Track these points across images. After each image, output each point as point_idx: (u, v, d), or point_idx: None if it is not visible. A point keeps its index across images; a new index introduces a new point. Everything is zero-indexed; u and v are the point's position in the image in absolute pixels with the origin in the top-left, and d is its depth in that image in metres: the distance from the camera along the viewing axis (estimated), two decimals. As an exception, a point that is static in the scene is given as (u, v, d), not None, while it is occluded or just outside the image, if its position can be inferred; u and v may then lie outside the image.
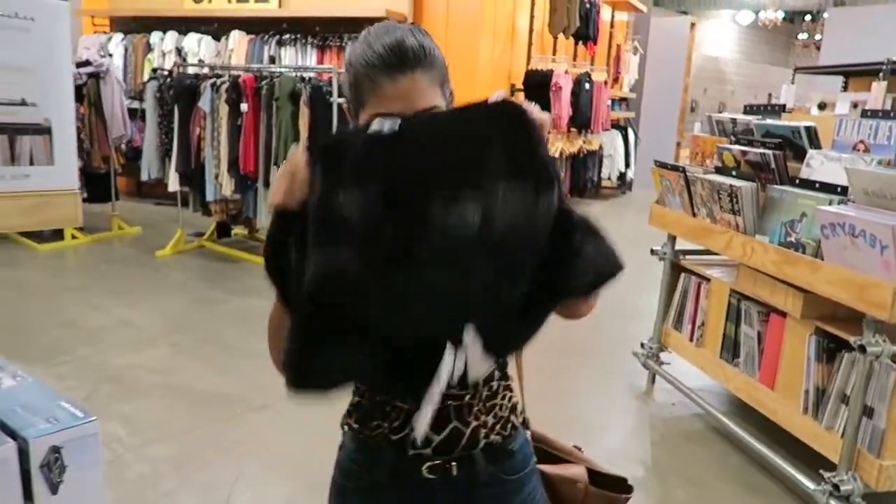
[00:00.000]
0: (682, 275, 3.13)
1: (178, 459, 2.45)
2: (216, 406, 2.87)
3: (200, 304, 4.24)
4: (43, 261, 4.97)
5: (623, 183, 9.35)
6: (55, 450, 0.89)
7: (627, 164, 9.20)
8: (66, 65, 0.73)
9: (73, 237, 5.41)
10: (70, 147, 0.81)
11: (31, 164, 0.71)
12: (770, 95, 9.19)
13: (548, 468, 1.12)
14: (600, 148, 8.46)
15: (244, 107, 4.76)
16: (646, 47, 10.05)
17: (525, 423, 1.09)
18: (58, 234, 5.38)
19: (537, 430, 1.17)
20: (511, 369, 1.08)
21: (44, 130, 0.71)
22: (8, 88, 0.66)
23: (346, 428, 1.04)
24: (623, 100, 9.78)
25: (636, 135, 9.57)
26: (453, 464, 0.96)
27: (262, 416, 2.80)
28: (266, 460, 2.48)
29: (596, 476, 1.14)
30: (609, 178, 9.09)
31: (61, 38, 0.69)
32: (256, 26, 6.57)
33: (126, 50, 6.94)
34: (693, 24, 10.52)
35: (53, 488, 0.90)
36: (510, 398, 1.03)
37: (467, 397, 0.97)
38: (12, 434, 0.87)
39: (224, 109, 4.81)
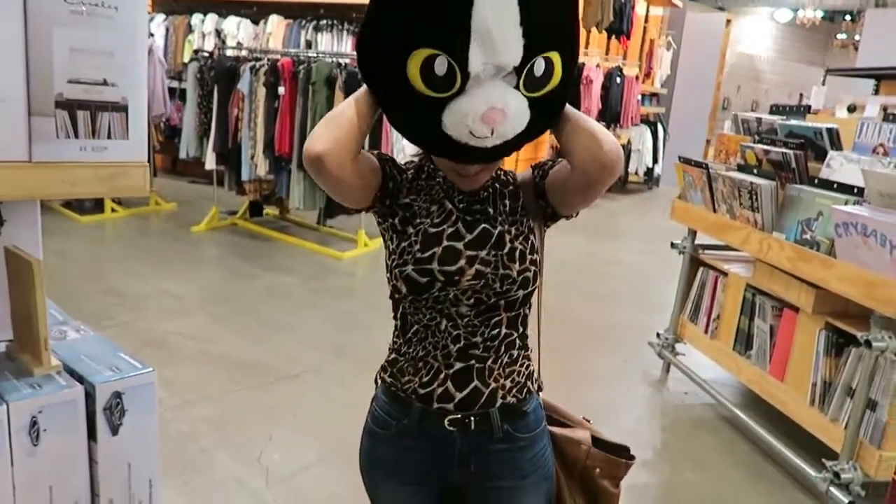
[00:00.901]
0: (701, 269, 3.22)
1: (214, 420, 2.62)
2: (251, 373, 3.04)
3: (235, 278, 4.43)
4: (85, 231, 5.20)
5: (650, 178, 9.37)
6: (117, 395, 1.02)
7: (655, 160, 9.22)
8: (142, 49, 0.81)
9: (113, 210, 5.64)
10: (142, 123, 0.90)
11: (109, 137, 0.80)
12: (801, 96, 9.12)
13: (556, 429, 1.24)
14: (629, 142, 8.49)
15: (281, 90, 4.91)
16: (679, 43, 10.01)
17: (539, 388, 1.21)
18: (98, 207, 5.61)
19: (549, 400, 1.29)
20: (532, 342, 1.21)
21: (121, 108, 0.80)
22: (92, 70, 0.74)
23: (379, 382, 1.17)
24: (654, 95, 9.78)
25: (665, 131, 9.57)
26: (472, 419, 1.09)
27: (294, 385, 2.96)
28: (296, 425, 2.64)
29: (600, 441, 1.26)
30: (636, 173, 9.13)
31: (139, 25, 0.77)
32: (294, 11, 6.72)
33: (167, 30, 7.14)
34: (729, 21, 10.44)
35: (114, 429, 1.02)
36: (528, 366, 1.15)
37: (489, 362, 1.09)
38: (80, 379, 0.99)
39: (262, 92, 4.97)
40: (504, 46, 0.87)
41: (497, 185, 1.11)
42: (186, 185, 7.04)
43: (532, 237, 1.10)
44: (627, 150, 8.52)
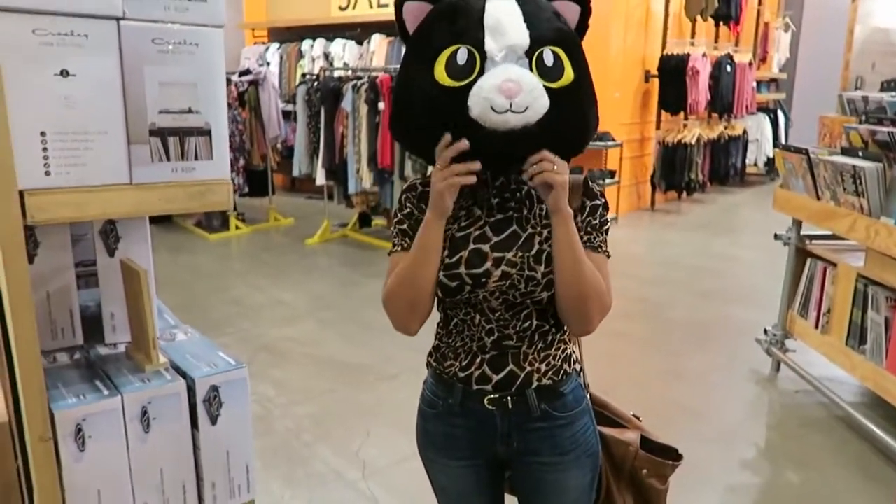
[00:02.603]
0: (808, 260, 3.04)
1: (317, 417, 2.81)
2: (352, 374, 3.22)
3: (343, 286, 4.68)
4: (213, 248, 5.68)
5: (771, 169, 8.83)
6: (214, 388, 1.16)
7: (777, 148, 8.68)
8: (221, 79, 0.93)
9: (237, 227, 6.12)
10: (224, 145, 1.02)
11: (196, 158, 0.92)
12: (937, 68, 8.25)
13: (605, 430, 1.27)
14: (744, 133, 8.07)
15: (381, 105, 5.13)
16: (799, 23, 9.38)
17: (586, 387, 1.25)
18: (224, 225, 6.10)
19: (599, 396, 1.31)
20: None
21: (205, 132, 0.91)
22: (179, 99, 0.86)
23: (428, 366, 1.26)
24: (772, 81, 9.23)
25: (787, 117, 9.00)
26: (509, 399, 1.14)
27: (392, 385, 3.10)
28: (392, 422, 2.77)
29: (648, 442, 1.27)
30: (755, 164, 8.64)
31: (217, 57, 0.88)
32: (396, 29, 6.96)
33: (281, 58, 7.64)
34: (856, -6, 9.66)
35: (213, 419, 1.16)
36: (564, 350, 1.19)
37: (523, 347, 1.14)
38: (183, 374, 1.14)
39: (364, 109, 5.22)
40: (513, 32, 1.01)
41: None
42: (303, 201, 7.48)
43: None
44: (744, 140, 8.09)
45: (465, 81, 1.00)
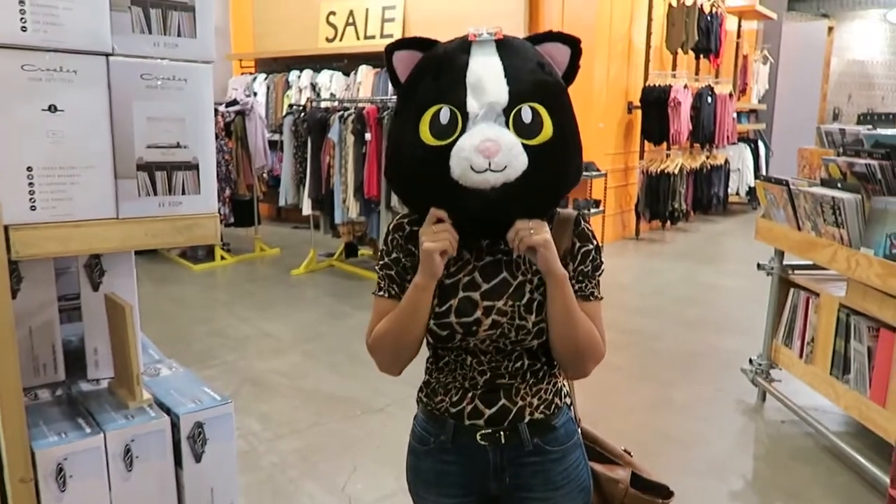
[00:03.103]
0: (792, 290, 3.07)
1: (303, 452, 2.77)
2: (339, 407, 3.18)
3: (330, 317, 4.65)
4: (198, 278, 5.64)
5: (754, 198, 8.95)
6: (199, 425, 1.14)
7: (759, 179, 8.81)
8: (209, 114, 0.94)
9: (222, 258, 6.08)
10: (211, 179, 1.02)
11: (183, 193, 0.92)
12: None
13: (596, 466, 1.27)
14: (726, 162, 8.19)
15: (368, 136, 5.16)
16: (777, 55, 9.61)
17: (577, 422, 1.24)
18: (209, 256, 6.07)
19: (590, 430, 1.31)
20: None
21: (193, 167, 0.91)
22: (167, 134, 0.86)
23: (418, 402, 1.25)
24: (752, 111, 9.41)
25: (767, 147, 9.16)
26: (502, 433, 1.14)
27: (378, 418, 3.07)
28: (379, 456, 2.73)
29: (639, 480, 1.27)
30: (737, 194, 8.77)
31: (205, 93, 0.89)
32: (382, 60, 7.04)
33: (268, 88, 7.69)
34: (831, 28, 9.93)
35: (197, 457, 1.14)
36: (555, 383, 1.19)
37: (515, 383, 1.14)
38: (167, 411, 1.13)
39: (350, 139, 5.24)
40: (492, 89, 1.02)
41: None
42: (289, 231, 7.46)
43: None
44: (726, 169, 8.22)
45: (448, 141, 1.02)
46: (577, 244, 1.13)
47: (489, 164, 1.00)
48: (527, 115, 1.03)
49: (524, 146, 1.02)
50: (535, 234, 1.03)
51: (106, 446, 1.05)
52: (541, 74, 1.07)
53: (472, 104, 1.02)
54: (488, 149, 1.00)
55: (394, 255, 1.15)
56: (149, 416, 1.11)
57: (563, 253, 1.10)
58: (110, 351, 1.21)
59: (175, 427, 1.11)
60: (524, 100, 1.03)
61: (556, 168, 1.06)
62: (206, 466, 1.16)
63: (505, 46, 1.05)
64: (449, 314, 1.09)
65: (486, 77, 1.02)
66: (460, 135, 1.02)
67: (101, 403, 1.14)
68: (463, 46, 1.06)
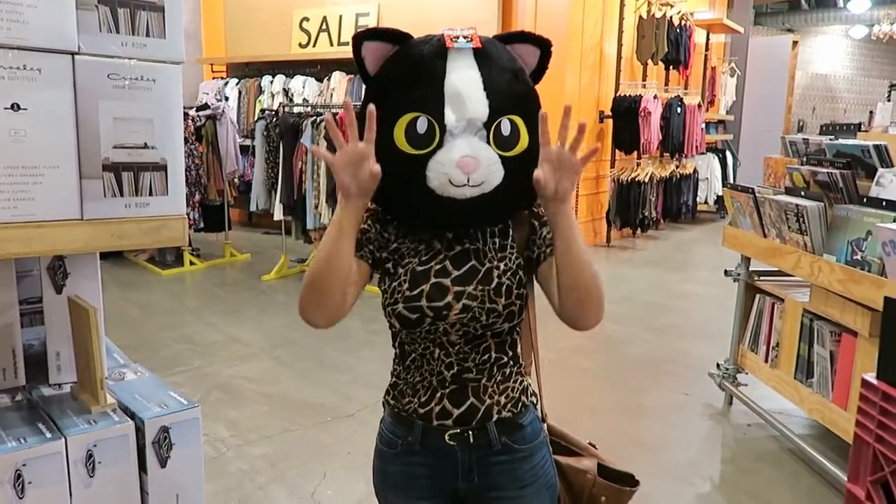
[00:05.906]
0: (758, 296, 3.13)
1: (272, 458, 2.74)
2: (309, 413, 3.15)
3: (301, 323, 4.50)
4: (166, 284, 5.55)
5: (721, 206, 9.12)
6: (164, 429, 1.11)
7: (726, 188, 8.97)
8: (178, 115, 0.93)
9: (192, 263, 6.00)
10: (180, 180, 1.00)
11: (151, 194, 0.91)
12: (871, 114, 8.73)
13: (562, 459, 1.27)
14: (695, 171, 8.33)
15: (341, 142, 5.14)
16: (744, 68, 9.82)
17: (543, 418, 1.25)
18: (178, 261, 5.98)
19: (555, 426, 1.32)
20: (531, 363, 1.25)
21: (161, 167, 0.90)
22: (134, 135, 0.86)
23: (385, 405, 1.24)
24: (720, 122, 9.59)
25: (735, 157, 9.34)
26: (470, 433, 1.14)
27: (349, 424, 3.05)
28: (349, 463, 2.72)
29: (605, 470, 1.28)
30: (706, 202, 8.92)
31: (174, 94, 0.88)
32: (355, 67, 7.03)
33: (240, 93, 7.61)
34: (795, 43, 10.19)
35: (162, 462, 1.12)
36: (521, 382, 1.20)
37: (483, 380, 1.15)
38: (131, 415, 1.10)
39: (323, 145, 5.22)
40: (472, 104, 1.03)
41: None
42: (260, 236, 7.39)
43: (520, 272, 1.15)
44: (695, 178, 8.36)
45: (425, 151, 1.04)
46: (535, 222, 1.17)
47: (468, 180, 1.02)
48: (506, 128, 1.05)
49: (501, 157, 1.05)
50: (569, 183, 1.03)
51: (67, 451, 1.03)
52: (517, 85, 1.09)
53: (451, 117, 1.03)
54: (468, 164, 1.02)
55: (366, 224, 1.16)
56: (112, 421, 1.09)
57: (526, 237, 1.16)
58: (73, 355, 1.19)
59: (140, 432, 1.09)
60: (504, 113, 1.05)
61: (529, 176, 1.06)
62: (171, 472, 1.14)
63: (482, 55, 1.06)
64: (420, 298, 1.10)
65: (466, 91, 1.03)
66: (437, 146, 1.03)
67: (62, 408, 1.12)
68: (439, 52, 1.06)
